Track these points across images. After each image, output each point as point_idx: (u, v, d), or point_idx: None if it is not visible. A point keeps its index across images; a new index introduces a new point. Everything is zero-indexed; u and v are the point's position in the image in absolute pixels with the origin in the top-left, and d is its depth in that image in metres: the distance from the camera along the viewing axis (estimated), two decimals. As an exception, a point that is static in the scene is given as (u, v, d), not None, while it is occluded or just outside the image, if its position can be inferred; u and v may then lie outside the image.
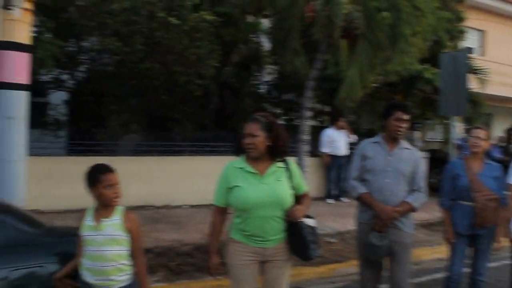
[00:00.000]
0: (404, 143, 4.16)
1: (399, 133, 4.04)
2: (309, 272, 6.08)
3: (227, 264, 3.44)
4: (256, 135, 3.28)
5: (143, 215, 7.80)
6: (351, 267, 5.87)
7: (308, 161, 9.32)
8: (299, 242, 3.31)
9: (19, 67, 4.96)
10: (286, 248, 3.37)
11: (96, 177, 3.07)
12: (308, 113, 8.99)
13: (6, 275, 3.09)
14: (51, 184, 8.47)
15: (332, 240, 7.45)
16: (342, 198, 10.81)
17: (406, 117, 4.04)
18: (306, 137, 8.85)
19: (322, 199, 10.76)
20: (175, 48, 8.86)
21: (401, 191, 4.00)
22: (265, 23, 10.68)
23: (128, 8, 8.42)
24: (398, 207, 3.95)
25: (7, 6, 4.95)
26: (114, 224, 3.08)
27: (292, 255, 3.41)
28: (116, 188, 3.09)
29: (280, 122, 11.49)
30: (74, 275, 3.16)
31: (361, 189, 4.07)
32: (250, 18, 10.73)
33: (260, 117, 3.38)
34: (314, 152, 10.84)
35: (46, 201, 8.17)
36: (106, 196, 3.07)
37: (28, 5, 5.14)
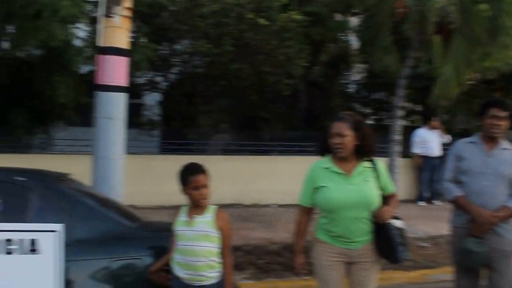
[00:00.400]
0: (505, 143, 3.90)
1: (495, 131, 3.79)
2: (400, 276, 5.91)
3: (313, 264, 3.42)
4: (344, 134, 3.23)
5: (232, 213, 7.88)
6: (444, 274, 5.61)
7: (399, 162, 9.05)
8: (387, 244, 3.23)
9: (119, 70, 5.23)
10: (373, 250, 3.30)
11: (186, 178, 3.17)
12: (400, 113, 8.73)
13: (107, 265, 3.26)
14: (145, 181, 8.87)
15: (424, 244, 7.17)
16: (434, 201, 10.37)
17: (503, 114, 3.77)
18: (397, 137, 8.60)
19: (413, 201, 10.38)
20: (264, 49, 8.97)
21: (501, 195, 3.76)
22: (354, 21, 10.50)
23: (217, 11, 8.64)
24: (497, 212, 3.72)
25: (108, 14, 5.24)
26: (206, 221, 3.16)
27: (380, 257, 3.33)
28: (203, 189, 3.16)
29: (369, 121, 11.31)
30: (167, 268, 3.27)
31: (457, 192, 3.87)
32: (338, 17, 10.61)
33: (347, 116, 3.33)
34: (405, 153, 10.50)
35: (140, 197, 8.56)
36: (193, 196, 3.16)
37: (127, 13, 5.40)
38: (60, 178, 3.61)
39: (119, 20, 5.31)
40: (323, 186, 3.27)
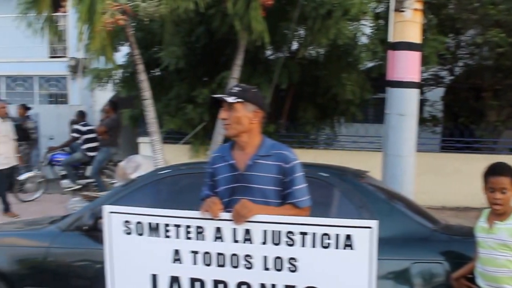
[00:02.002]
0: None
1: None
2: None
3: None
4: None
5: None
6: None
7: None
8: None
9: (411, 66, 5.10)
10: None
11: (485, 177, 2.90)
12: None
13: (407, 266, 3.18)
14: (426, 180, 8.54)
15: None
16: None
17: None
18: None
19: None
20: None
21: None
22: None
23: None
24: None
25: (400, 8, 5.15)
26: (507, 228, 2.82)
27: None
28: (498, 193, 2.82)
29: None
30: (471, 277, 3.02)
31: None
32: None
33: None
34: None
35: (422, 196, 8.28)
36: (488, 199, 2.88)
37: (418, 5, 5.23)
38: (360, 175, 3.66)
39: (410, 14, 5.18)
40: None
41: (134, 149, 9.95)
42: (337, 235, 2.35)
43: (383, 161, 5.36)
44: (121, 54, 8.68)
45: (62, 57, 13.58)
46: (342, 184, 3.40)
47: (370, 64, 8.61)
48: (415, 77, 5.15)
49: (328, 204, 3.43)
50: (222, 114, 2.61)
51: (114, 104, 9.11)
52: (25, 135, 9.88)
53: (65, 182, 9.09)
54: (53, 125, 10.70)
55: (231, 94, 2.59)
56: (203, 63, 8.83)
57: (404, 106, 5.11)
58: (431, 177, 8.51)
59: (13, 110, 10.28)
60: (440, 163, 8.72)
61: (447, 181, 8.59)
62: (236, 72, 6.99)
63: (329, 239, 2.35)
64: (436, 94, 10.63)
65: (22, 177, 9.07)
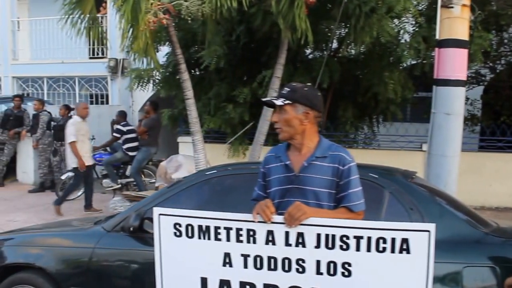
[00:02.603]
0: None
1: None
2: None
3: None
4: None
5: None
6: None
7: None
8: None
9: (458, 64, 4.97)
10: None
11: None
12: None
13: (458, 270, 3.08)
14: (465, 179, 8.36)
15: None
16: None
17: None
18: None
19: None
20: None
21: None
22: None
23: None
24: None
25: (447, 4, 5.01)
26: None
27: None
28: None
29: None
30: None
31: None
32: None
33: None
34: None
35: (461, 195, 8.09)
36: None
37: (467, 1, 5.09)
38: (410, 175, 3.57)
39: (458, 10, 5.04)
40: None
41: (173, 149, 10.04)
42: (393, 239, 2.28)
43: (427, 161, 5.24)
44: (161, 54, 8.76)
45: (102, 57, 13.79)
46: (392, 185, 3.32)
47: (411, 63, 8.43)
48: (462, 75, 5.02)
49: (377, 205, 3.34)
50: (273, 117, 2.56)
51: (154, 104, 9.21)
52: (67, 135, 10.09)
53: (106, 182, 9.25)
54: (94, 125, 10.88)
55: (280, 96, 2.54)
56: (243, 63, 8.83)
57: (451, 105, 4.98)
58: (470, 177, 8.30)
59: (55, 110, 10.52)
60: (479, 163, 8.51)
61: (486, 181, 8.40)
62: (278, 71, 6.93)
63: (384, 243, 2.28)
64: (475, 92, 10.36)
65: (64, 176, 9.26)
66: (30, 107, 10.79)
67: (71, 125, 8.05)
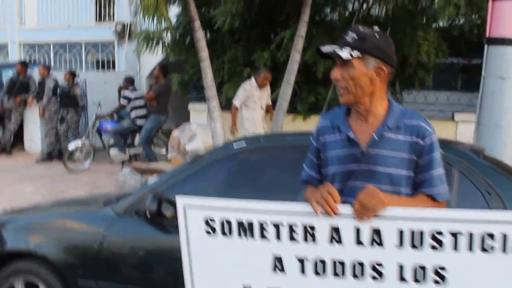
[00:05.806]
0: None
1: None
2: None
3: None
4: None
5: None
6: None
7: None
8: None
9: (517, 20, 4.32)
10: None
11: None
12: None
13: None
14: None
15: None
16: None
17: None
18: None
19: None
20: None
21: None
22: None
23: None
24: None
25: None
26: None
27: None
28: None
29: None
30: None
31: None
32: None
33: None
34: None
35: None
36: None
37: None
38: (481, 151, 2.96)
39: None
40: None
41: (183, 117, 9.48)
42: (505, 235, 1.71)
43: (476, 132, 4.63)
44: (171, 15, 8.08)
45: (109, 22, 13.26)
46: (461, 162, 2.71)
47: (447, 22, 7.66)
48: (522, 33, 4.37)
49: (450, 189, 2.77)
50: (334, 73, 1.91)
51: (164, 68, 8.58)
52: (72, 102, 9.62)
53: (114, 152, 8.73)
54: (100, 91, 10.47)
55: (344, 44, 1.88)
56: (258, 23, 8.13)
57: (506, 68, 4.33)
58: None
59: (60, 77, 10.03)
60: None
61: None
62: (302, 29, 6.24)
63: (492, 239, 1.71)
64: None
65: (71, 146, 8.77)
66: (36, 73, 10.27)
67: None
